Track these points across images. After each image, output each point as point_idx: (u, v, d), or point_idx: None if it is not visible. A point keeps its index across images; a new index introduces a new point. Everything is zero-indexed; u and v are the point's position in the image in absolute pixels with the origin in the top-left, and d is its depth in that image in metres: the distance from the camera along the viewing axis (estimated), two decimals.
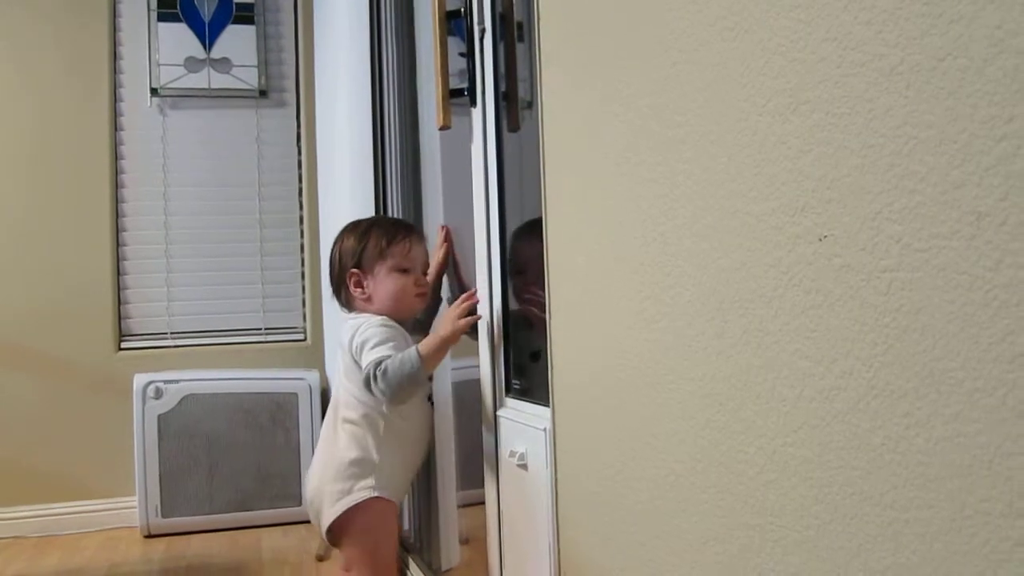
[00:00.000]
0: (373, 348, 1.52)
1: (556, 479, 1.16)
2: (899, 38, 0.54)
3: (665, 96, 0.83)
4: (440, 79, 1.48)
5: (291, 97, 3.09)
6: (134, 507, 2.72)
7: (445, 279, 1.79)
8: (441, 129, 1.52)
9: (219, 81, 3.00)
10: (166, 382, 2.72)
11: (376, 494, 1.54)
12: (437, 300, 1.77)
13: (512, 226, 1.47)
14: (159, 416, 2.69)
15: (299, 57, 3.07)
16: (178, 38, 2.97)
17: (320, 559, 2.37)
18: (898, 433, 0.55)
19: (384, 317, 1.58)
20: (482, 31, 1.45)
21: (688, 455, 0.81)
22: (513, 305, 1.48)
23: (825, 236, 0.61)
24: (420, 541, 2.07)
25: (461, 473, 1.84)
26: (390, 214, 2.23)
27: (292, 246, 3.08)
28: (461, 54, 1.51)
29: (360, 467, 1.54)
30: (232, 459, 2.73)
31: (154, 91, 2.95)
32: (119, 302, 2.93)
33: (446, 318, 1.52)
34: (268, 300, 3.05)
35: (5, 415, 2.79)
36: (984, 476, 0.49)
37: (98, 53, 2.90)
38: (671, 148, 0.82)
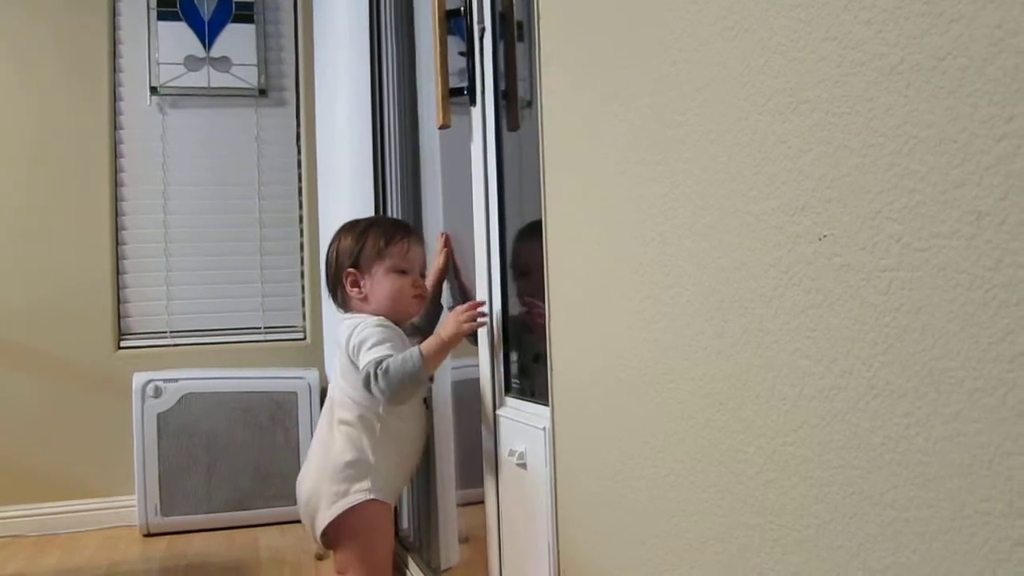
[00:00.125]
0: (371, 348, 1.51)
1: (555, 478, 1.16)
2: (899, 37, 0.54)
3: (665, 95, 0.83)
4: (440, 78, 1.48)
5: (291, 96, 3.08)
6: (133, 506, 2.72)
7: (445, 286, 1.78)
8: (441, 128, 1.52)
9: (219, 80, 3.00)
10: (165, 381, 2.72)
11: (372, 496, 1.53)
12: (437, 308, 1.76)
13: (512, 226, 1.47)
14: (158, 415, 2.69)
15: (299, 56, 3.07)
16: (178, 37, 2.97)
17: (319, 558, 2.37)
18: (898, 432, 0.55)
19: (381, 317, 1.57)
20: (482, 30, 1.45)
21: (688, 454, 0.81)
22: (518, 307, 1.48)
23: (825, 235, 0.61)
24: (419, 540, 2.07)
25: (460, 472, 1.84)
26: (389, 213, 2.23)
27: (292, 245, 3.08)
28: (461, 53, 1.51)
29: (356, 469, 1.54)
30: (231, 458, 2.73)
31: (154, 90, 2.95)
32: (118, 301, 2.93)
33: (449, 320, 1.51)
34: (267, 299, 3.05)
35: (4, 414, 2.79)
36: (984, 476, 0.49)
37: (98, 52, 2.90)
38: (671, 147, 0.82)
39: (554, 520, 1.17)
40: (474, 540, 1.84)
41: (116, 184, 2.93)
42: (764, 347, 0.68)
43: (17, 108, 2.84)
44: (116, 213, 2.93)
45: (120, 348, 2.91)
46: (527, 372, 1.45)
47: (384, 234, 1.62)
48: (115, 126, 2.93)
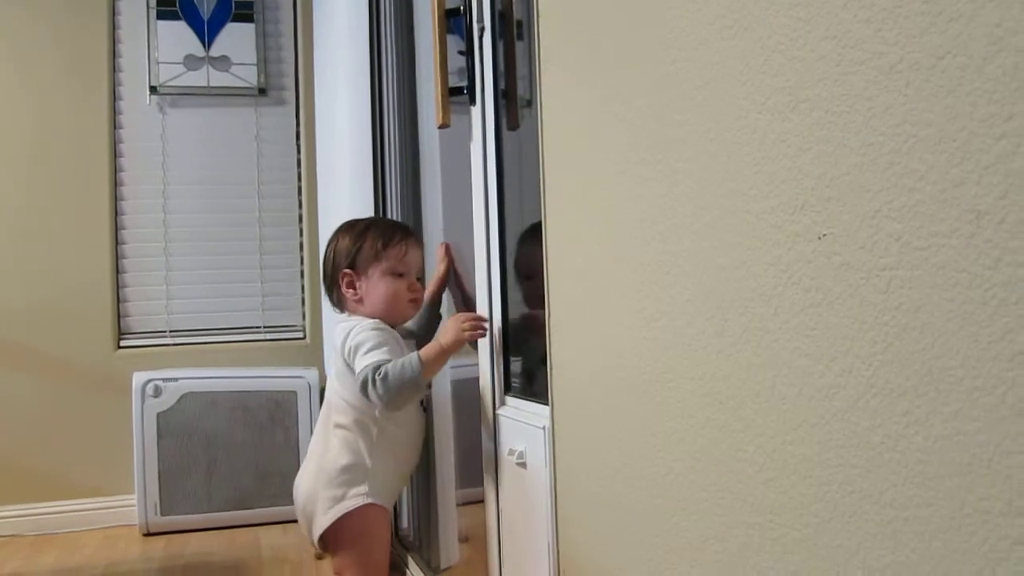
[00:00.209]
0: (368, 353, 1.49)
1: (555, 478, 1.16)
2: (898, 36, 0.54)
3: (664, 94, 0.82)
4: (439, 77, 1.48)
5: (290, 95, 3.08)
6: (133, 505, 2.72)
7: (446, 296, 1.77)
8: (440, 127, 1.52)
9: (218, 79, 3.00)
10: (165, 380, 2.72)
11: (369, 501, 1.52)
12: (436, 316, 1.74)
13: (512, 225, 1.47)
14: (158, 414, 2.69)
15: (298, 55, 3.07)
16: (177, 36, 2.97)
17: (319, 557, 2.37)
18: (897, 431, 0.55)
19: (376, 320, 1.56)
20: (481, 29, 1.45)
21: (687, 453, 0.81)
22: (524, 311, 1.47)
23: (824, 234, 0.61)
24: (419, 539, 2.07)
25: (460, 471, 1.84)
26: (389, 212, 2.23)
27: (291, 244, 3.08)
28: (460, 52, 1.51)
29: (353, 473, 1.53)
30: (231, 457, 2.73)
31: (153, 89, 2.95)
32: (118, 300, 2.93)
33: (449, 326, 1.50)
34: (267, 298, 3.05)
35: (4, 413, 2.79)
36: (983, 474, 0.49)
37: (97, 51, 2.90)
38: (670, 147, 0.82)
39: (554, 519, 1.17)
40: (474, 539, 1.84)
41: (116, 183, 2.93)
42: (764, 346, 0.68)
43: (17, 107, 2.84)
44: (116, 212, 2.93)
45: (120, 347, 2.91)
46: (534, 376, 1.45)
47: (382, 236, 1.61)
48: (115, 125, 2.93)
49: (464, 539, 1.93)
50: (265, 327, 3.04)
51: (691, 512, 0.81)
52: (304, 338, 3.05)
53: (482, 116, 1.46)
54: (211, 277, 3.01)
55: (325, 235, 2.57)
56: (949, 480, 0.51)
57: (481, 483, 1.49)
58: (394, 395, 1.46)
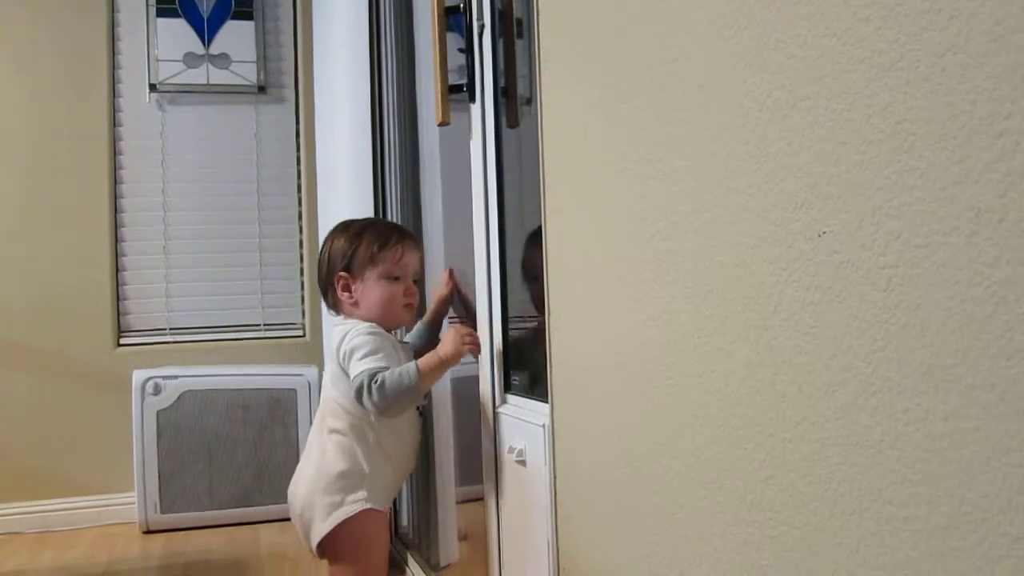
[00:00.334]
0: (363, 358, 1.47)
1: (555, 475, 1.16)
2: (898, 34, 0.54)
3: (664, 92, 0.82)
4: (439, 75, 1.48)
5: (290, 93, 3.08)
6: (133, 503, 2.72)
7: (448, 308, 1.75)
8: (440, 125, 1.52)
9: (218, 77, 3.00)
10: (165, 378, 2.72)
11: (368, 506, 1.50)
12: (436, 340, 1.69)
13: (512, 223, 1.47)
14: (158, 412, 2.70)
15: (298, 53, 3.07)
16: (177, 34, 2.97)
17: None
18: (897, 429, 0.55)
19: (372, 324, 1.54)
20: (481, 27, 1.45)
21: (687, 451, 0.81)
22: (532, 311, 1.46)
23: (824, 232, 0.61)
24: (419, 537, 2.07)
25: (460, 469, 1.84)
26: (389, 210, 2.23)
27: (291, 242, 3.08)
28: (460, 50, 1.51)
29: (350, 479, 1.51)
30: (231, 455, 2.73)
31: (153, 87, 2.95)
32: (118, 298, 2.93)
33: (449, 339, 1.48)
34: (267, 296, 3.05)
35: (4, 411, 2.79)
36: (983, 472, 0.49)
37: (97, 48, 2.90)
38: (670, 145, 0.82)
39: (553, 517, 1.17)
40: (474, 537, 1.84)
41: (115, 181, 2.93)
42: (763, 344, 0.69)
43: (16, 104, 2.84)
44: (115, 210, 2.93)
45: (120, 345, 2.91)
46: (541, 379, 1.44)
47: (378, 238, 1.58)
48: (114, 123, 2.93)
49: (464, 537, 1.93)
50: (265, 325, 3.04)
51: (691, 510, 0.81)
52: (304, 336, 3.05)
53: (482, 114, 1.45)
54: (211, 275, 3.01)
55: (325, 233, 2.56)
56: (948, 478, 0.51)
57: (481, 481, 1.49)
58: (390, 404, 1.45)
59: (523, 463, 1.28)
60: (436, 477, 1.82)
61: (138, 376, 2.71)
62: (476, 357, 1.50)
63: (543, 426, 1.19)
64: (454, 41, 1.52)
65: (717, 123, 0.74)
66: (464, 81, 1.49)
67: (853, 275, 0.58)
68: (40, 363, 2.82)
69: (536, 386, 1.41)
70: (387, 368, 1.47)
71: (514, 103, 1.45)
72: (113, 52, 2.93)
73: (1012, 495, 0.47)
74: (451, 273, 1.71)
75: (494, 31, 1.44)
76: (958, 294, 0.50)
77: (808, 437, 0.64)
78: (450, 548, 1.89)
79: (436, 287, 1.79)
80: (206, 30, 2.99)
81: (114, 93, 2.93)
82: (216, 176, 3.01)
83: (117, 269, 2.92)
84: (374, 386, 1.44)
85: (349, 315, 1.59)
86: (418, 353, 1.60)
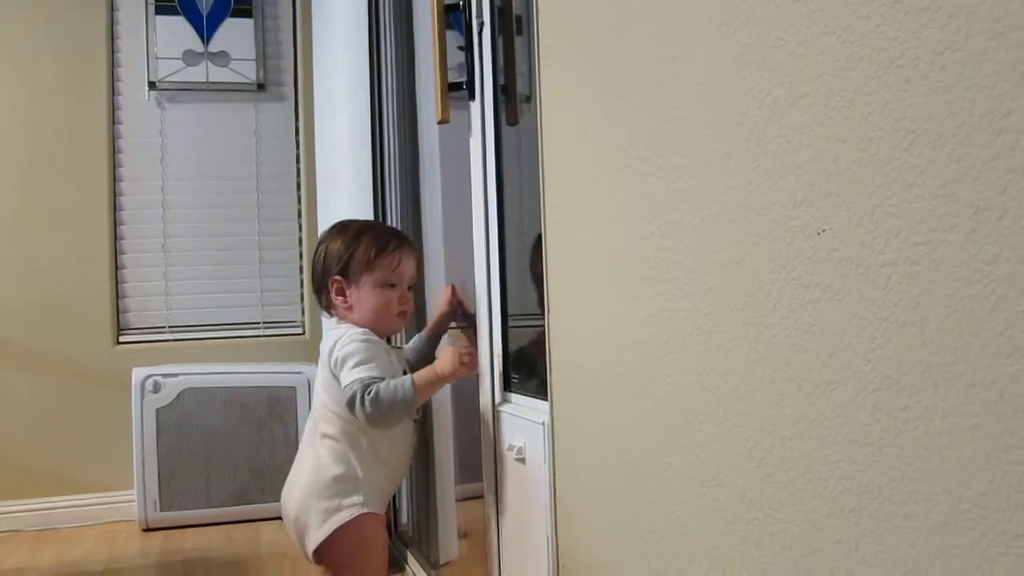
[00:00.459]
0: (355, 367, 1.46)
1: (555, 473, 1.16)
2: (898, 32, 0.54)
3: (664, 90, 0.82)
4: (439, 73, 1.48)
5: (289, 91, 3.08)
6: (132, 501, 2.72)
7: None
8: (440, 123, 1.51)
9: (217, 75, 2.99)
10: (164, 376, 2.72)
11: (365, 510, 1.49)
12: (432, 358, 1.67)
13: (511, 222, 1.47)
14: (157, 410, 2.70)
15: (297, 50, 3.07)
16: (176, 31, 2.96)
17: None
18: (896, 427, 0.55)
19: (365, 330, 1.53)
20: (480, 25, 1.45)
21: (686, 449, 0.81)
22: (537, 315, 1.46)
23: (824, 230, 0.61)
24: (419, 535, 2.07)
25: (460, 467, 1.84)
26: (389, 208, 2.23)
27: (290, 240, 3.08)
28: (460, 48, 1.51)
29: (345, 483, 1.49)
30: (230, 453, 2.73)
31: (152, 84, 2.95)
32: (117, 296, 2.93)
33: (447, 355, 1.47)
34: (266, 294, 3.05)
35: (4, 410, 2.79)
36: (982, 470, 0.49)
37: (96, 46, 2.89)
38: (670, 142, 0.82)
39: (553, 515, 1.17)
40: (473, 535, 1.85)
41: (114, 179, 2.93)
42: (762, 342, 0.69)
43: (15, 103, 2.84)
44: (114, 208, 2.93)
45: (119, 343, 2.91)
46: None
47: (375, 243, 1.56)
48: (113, 121, 2.93)
49: (463, 535, 1.93)
50: (264, 323, 3.04)
51: (690, 507, 0.81)
52: (303, 334, 3.05)
53: (481, 112, 1.45)
54: (210, 273, 3.01)
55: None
56: (947, 475, 0.51)
57: (480, 479, 1.49)
58: (383, 416, 1.44)
59: (523, 461, 1.29)
60: (436, 475, 1.82)
61: (138, 374, 2.71)
62: (471, 374, 1.48)
63: (543, 424, 1.19)
64: (453, 39, 1.52)
65: (716, 121, 0.74)
66: (464, 79, 1.49)
67: (852, 273, 0.58)
68: (40, 361, 2.82)
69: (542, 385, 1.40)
70: (381, 379, 1.45)
71: (514, 101, 1.45)
72: (112, 50, 2.93)
73: (1011, 493, 0.47)
74: (453, 290, 1.69)
75: (494, 29, 1.44)
76: (957, 292, 0.50)
77: (807, 435, 0.64)
78: (450, 546, 1.89)
79: (436, 288, 1.78)
80: (205, 28, 2.99)
81: (113, 91, 2.93)
82: (215, 174, 3.01)
83: (116, 267, 2.92)
84: (367, 397, 1.42)
85: (343, 319, 1.57)
86: (413, 368, 1.59)
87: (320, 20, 2.76)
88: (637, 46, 0.88)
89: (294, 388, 2.78)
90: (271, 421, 2.77)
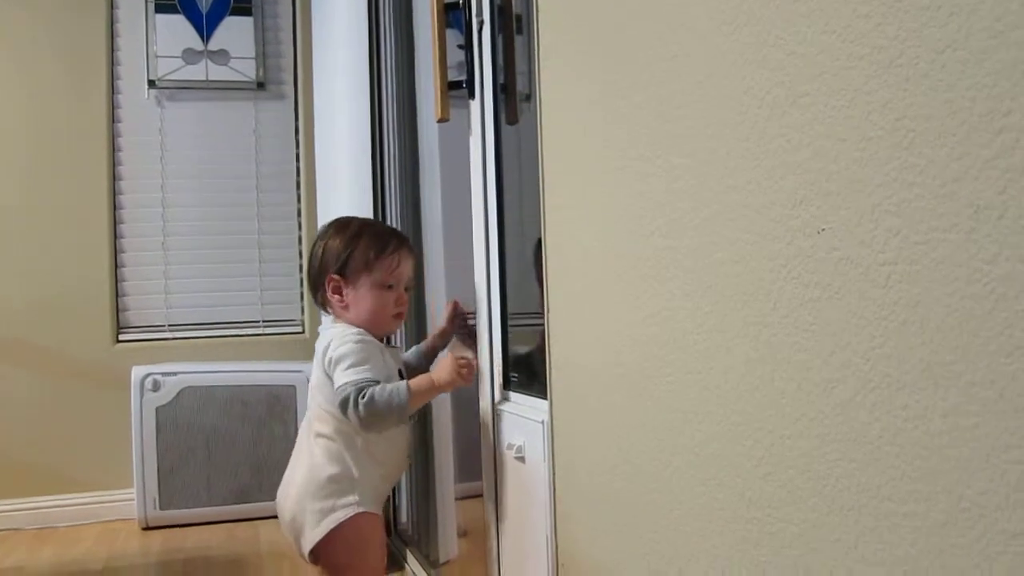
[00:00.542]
0: (349, 368, 1.45)
1: (554, 472, 1.16)
2: (898, 31, 0.54)
3: (664, 89, 0.82)
4: (438, 72, 1.48)
5: (289, 89, 3.08)
6: (132, 499, 2.72)
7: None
8: (439, 122, 1.51)
9: (217, 73, 2.99)
10: (164, 374, 2.72)
11: (361, 510, 1.47)
12: (430, 360, 1.68)
13: (510, 220, 1.47)
14: (157, 408, 2.69)
15: (297, 49, 3.07)
16: (176, 30, 2.96)
17: None
18: (896, 426, 0.55)
19: (360, 330, 1.51)
20: (480, 23, 1.45)
21: (686, 448, 0.81)
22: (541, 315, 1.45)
23: (824, 229, 0.61)
24: (418, 533, 2.07)
25: (459, 465, 1.84)
26: (388, 206, 2.23)
27: (290, 239, 3.08)
28: (459, 46, 1.51)
29: (340, 483, 1.48)
30: (230, 451, 2.73)
31: (151, 83, 2.95)
32: (117, 294, 2.93)
33: (444, 366, 1.46)
34: (266, 292, 3.05)
35: (3, 408, 2.79)
36: (981, 469, 0.49)
37: (95, 45, 2.89)
38: (670, 142, 0.82)
39: (552, 514, 1.17)
40: (473, 534, 1.85)
41: (114, 178, 2.93)
42: (762, 341, 0.69)
43: (14, 101, 2.84)
44: (114, 207, 2.93)
45: (119, 342, 2.91)
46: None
47: (375, 244, 1.54)
48: (113, 119, 2.93)
49: (463, 533, 1.93)
50: (264, 321, 3.04)
51: (690, 506, 0.81)
52: (303, 332, 3.05)
53: (481, 110, 1.45)
54: (210, 271, 3.01)
55: None
56: (947, 474, 0.51)
57: (480, 477, 1.49)
58: (376, 420, 1.43)
59: (522, 460, 1.29)
60: (435, 473, 1.82)
61: (137, 372, 2.71)
62: (468, 385, 1.48)
63: (542, 423, 1.19)
64: (453, 37, 1.52)
65: (716, 120, 0.74)
66: (463, 77, 1.49)
67: (852, 272, 0.58)
68: (39, 359, 2.82)
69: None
70: (375, 381, 1.44)
71: (513, 100, 1.45)
72: (112, 48, 2.93)
73: (1010, 492, 0.47)
74: (455, 307, 1.68)
75: (493, 27, 1.44)
76: (957, 291, 0.50)
77: (807, 433, 0.64)
78: (449, 544, 1.89)
79: (435, 288, 1.78)
80: (205, 26, 2.98)
81: (113, 89, 2.93)
82: (215, 172, 3.01)
83: (116, 266, 2.92)
84: (361, 400, 1.41)
85: (338, 317, 1.56)
86: (409, 370, 1.58)
87: (320, 18, 2.76)
88: (637, 45, 0.88)
89: (294, 387, 2.78)
90: (271, 420, 2.77)
